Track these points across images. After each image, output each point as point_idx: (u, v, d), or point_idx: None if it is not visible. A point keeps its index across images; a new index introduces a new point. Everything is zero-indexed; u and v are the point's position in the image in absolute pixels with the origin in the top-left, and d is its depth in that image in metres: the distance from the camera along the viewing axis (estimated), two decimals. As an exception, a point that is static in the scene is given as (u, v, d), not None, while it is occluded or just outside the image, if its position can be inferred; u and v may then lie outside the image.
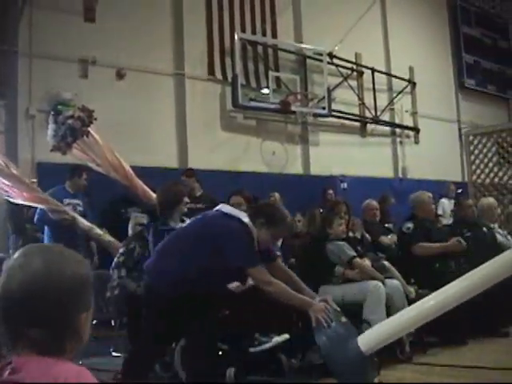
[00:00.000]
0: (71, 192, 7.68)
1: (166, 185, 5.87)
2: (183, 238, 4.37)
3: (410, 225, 6.80)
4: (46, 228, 7.48)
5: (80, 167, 7.63)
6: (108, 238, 6.95)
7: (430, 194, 7.20)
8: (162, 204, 5.69)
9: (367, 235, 7.55)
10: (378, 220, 8.28)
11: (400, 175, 13.90)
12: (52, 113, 7.41)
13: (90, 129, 7.09)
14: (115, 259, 5.83)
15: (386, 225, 8.55)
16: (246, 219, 4.24)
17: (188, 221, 5.71)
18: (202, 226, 4.36)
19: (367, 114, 13.28)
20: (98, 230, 7.30)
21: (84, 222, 7.28)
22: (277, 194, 9.25)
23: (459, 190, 11.73)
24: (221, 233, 4.16)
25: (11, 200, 7.08)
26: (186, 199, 5.77)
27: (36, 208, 7.30)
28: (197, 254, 4.12)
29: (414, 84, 14.42)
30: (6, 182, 6.83)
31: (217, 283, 4.37)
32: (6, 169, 6.89)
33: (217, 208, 4.46)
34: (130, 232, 6.53)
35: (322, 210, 7.36)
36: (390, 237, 7.94)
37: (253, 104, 11.29)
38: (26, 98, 9.09)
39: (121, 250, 5.88)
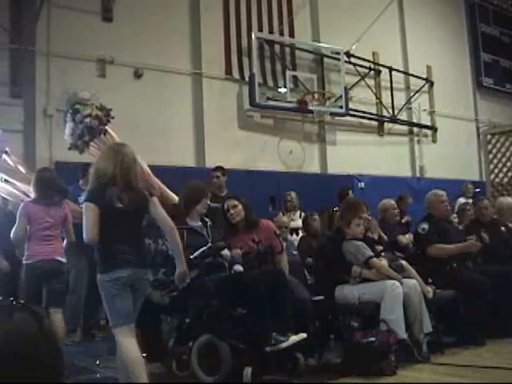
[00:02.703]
0: (85, 189, 7.72)
1: (190, 184, 5.89)
2: None
3: (425, 225, 6.74)
4: None
5: (91, 165, 7.66)
6: None
7: (443, 193, 7.05)
8: (183, 203, 5.73)
9: (384, 235, 7.53)
10: (398, 219, 8.26)
11: (417, 174, 13.83)
12: (70, 111, 7.44)
13: (107, 127, 7.12)
14: None
15: (403, 220, 8.61)
16: None
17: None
18: None
19: (385, 113, 13.24)
20: None
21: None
22: (294, 193, 9.23)
23: (477, 190, 11.62)
24: None
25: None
26: (207, 201, 5.75)
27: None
28: None
29: (431, 83, 14.35)
30: (20, 185, 6.87)
31: None
32: (18, 172, 6.92)
33: None
34: None
35: (335, 209, 7.33)
36: (407, 236, 7.93)
37: (270, 103, 11.30)
38: (43, 97, 9.15)
39: None
